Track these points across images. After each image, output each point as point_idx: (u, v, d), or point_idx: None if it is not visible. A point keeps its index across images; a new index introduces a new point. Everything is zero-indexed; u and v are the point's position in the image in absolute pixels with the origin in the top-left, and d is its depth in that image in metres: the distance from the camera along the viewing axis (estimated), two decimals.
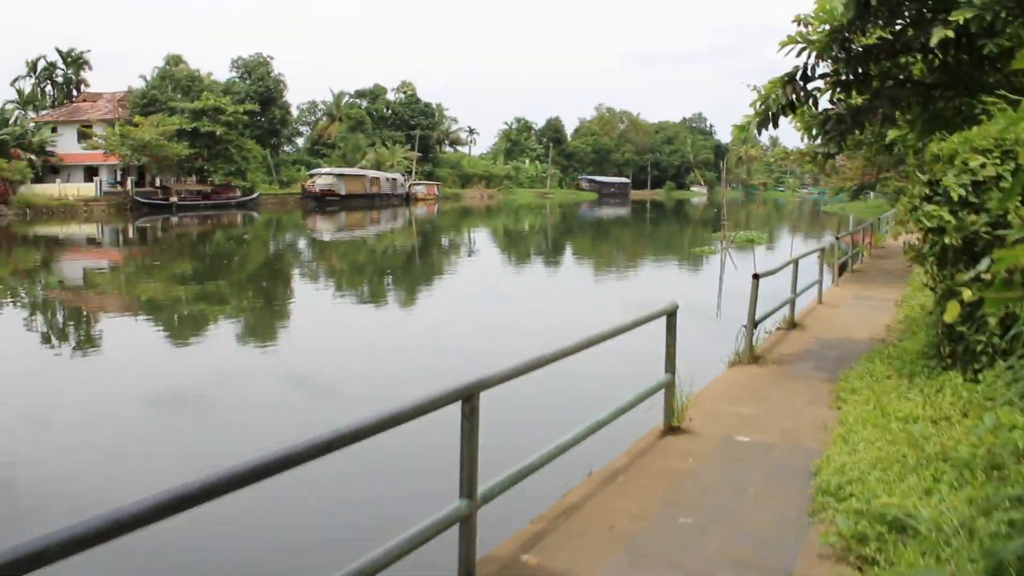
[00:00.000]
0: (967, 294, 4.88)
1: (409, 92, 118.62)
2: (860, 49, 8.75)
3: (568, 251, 43.27)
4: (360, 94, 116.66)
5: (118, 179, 72.99)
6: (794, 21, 12.11)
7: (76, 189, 68.98)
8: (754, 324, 10.57)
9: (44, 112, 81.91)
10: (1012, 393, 5.95)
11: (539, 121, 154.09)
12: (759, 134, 9.26)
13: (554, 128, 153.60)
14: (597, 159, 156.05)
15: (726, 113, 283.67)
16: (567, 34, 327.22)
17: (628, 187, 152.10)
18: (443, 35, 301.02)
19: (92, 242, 46.06)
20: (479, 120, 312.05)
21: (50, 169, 73.83)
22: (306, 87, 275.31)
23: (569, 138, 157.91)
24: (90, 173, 73.67)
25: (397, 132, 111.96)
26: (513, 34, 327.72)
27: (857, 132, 9.22)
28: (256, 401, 12.14)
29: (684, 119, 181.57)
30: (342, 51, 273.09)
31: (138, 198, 68.63)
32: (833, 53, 8.87)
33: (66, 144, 74.88)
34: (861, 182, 61.53)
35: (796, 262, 12.99)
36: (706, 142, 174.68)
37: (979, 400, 6.77)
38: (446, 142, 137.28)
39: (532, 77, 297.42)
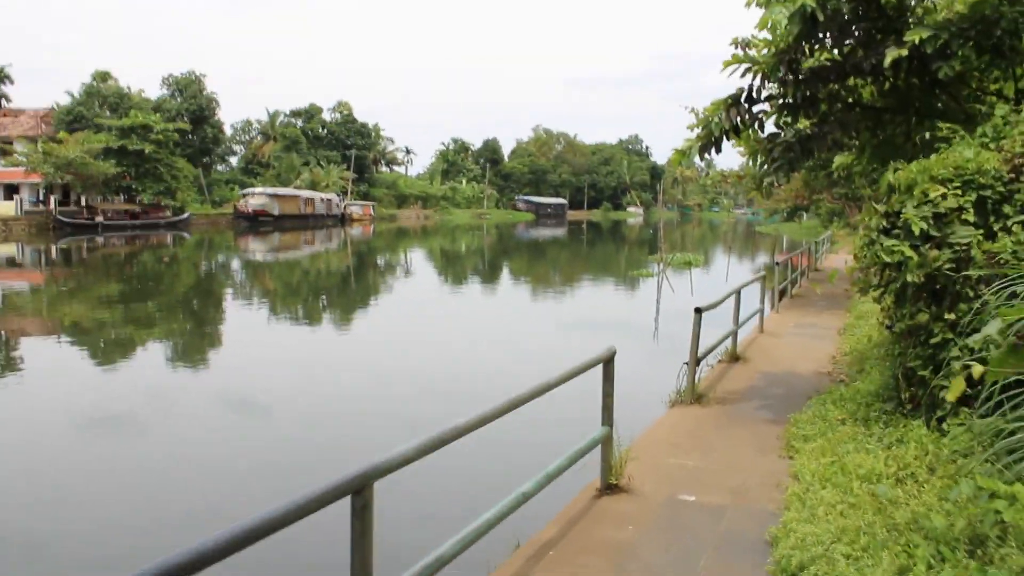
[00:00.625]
0: (977, 370, 4.18)
1: (345, 112, 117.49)
2: (808, 71, 8.13)
3: (504, 272, 42.51)
4: (296, 113, 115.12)
5: (41, 198, 70.49)
6: (732, 43, 11.64)
7: None
8: (696, 361, 9.87)
9: None
10: (996, 448, 5.29)
11: (476, 142, 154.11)
12: (700, 159, 8.58)
13: (491, 149, 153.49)
14: (534, 180, 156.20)
15: (662, 135, 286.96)
16: (508, 57, 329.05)
17: (565, 208, 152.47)
18: (381, 55, 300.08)
19: (12, 263, 44.15)
20: (416, 141, 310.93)
21: None
22: (240, 106, 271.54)
23: (506, 159, 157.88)
24: (11, 191, 71.04)
25: (333, 152, 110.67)
26: (453, 56, 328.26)
27: (805, 159, 8.61)
28: (164, 435, 11.11)
29: (620, 141, 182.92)
30: (277, 70, 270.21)
31: (61, 217, 66.26)
32: (780, 74, 8.24)
33: None
34: (795, 204, 62.25)
35: (738, 292, 12.33)
36: (642, 163, 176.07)
37: (947, 455, 6.12)
38: (382, 162, 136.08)
39: (471, 99, 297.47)
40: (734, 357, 12.42)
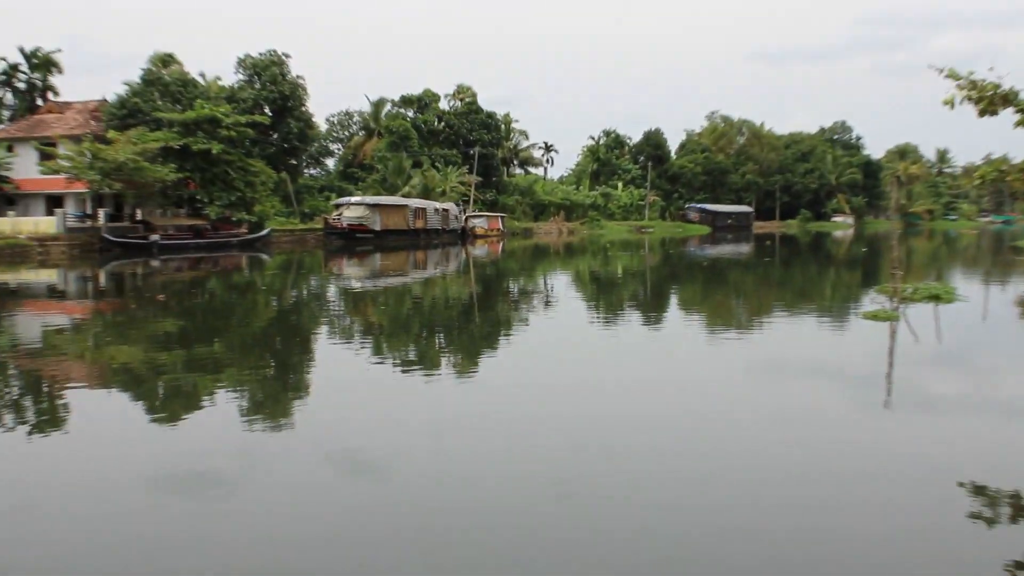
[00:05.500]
0: None
1: (467, 99, 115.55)
2: None
3: (675, 311, 38.03)
4: (406, 101, 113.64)
5: (88, 211, 70.38)
6: None
7: (33, 224, 66.40)
8: None
9: (0, 127, 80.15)
10: None
11: (635, 134, 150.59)
12: None
13: (654, 143, 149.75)
14: (709, 182, 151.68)
15: (878, 121, 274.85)
16: (672, 25, 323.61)
17: (750, 217, 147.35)
18: (511, 25, 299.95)
19: (53, 292, 43.58)
20: (558, 134, 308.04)
21: (4, 199, 71.86)
22: (336, 96, 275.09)
23: (673, 155, 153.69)
24: (54, 204, 71.31)
25: (451, 150, 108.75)
26: (601, 28, 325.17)
27: None
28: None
29: (822, 130, 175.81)
30: (384, 49, 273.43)
31: (109, 236, 65.36)
32: None
33: (26, 167, 72.87)
34: None
35: None
36: (852, 158, 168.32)
37: None
38: (515, 162, 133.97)
39: (627, 80, 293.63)
40: None
